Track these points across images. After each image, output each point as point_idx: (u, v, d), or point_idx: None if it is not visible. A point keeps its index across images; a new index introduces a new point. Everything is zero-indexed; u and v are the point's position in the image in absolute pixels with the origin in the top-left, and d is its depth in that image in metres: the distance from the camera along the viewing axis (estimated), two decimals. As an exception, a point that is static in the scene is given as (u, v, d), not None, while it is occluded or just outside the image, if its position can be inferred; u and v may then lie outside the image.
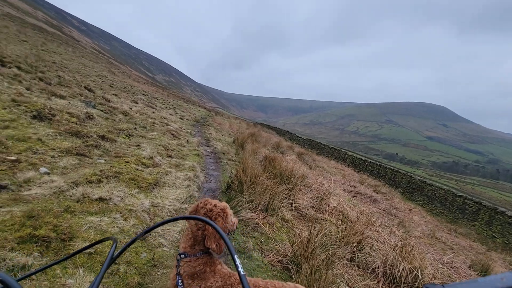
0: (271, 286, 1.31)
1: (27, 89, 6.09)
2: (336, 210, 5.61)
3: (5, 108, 4.26)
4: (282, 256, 2.91)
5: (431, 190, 20.23)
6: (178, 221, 2.54)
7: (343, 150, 31.80)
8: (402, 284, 2.88)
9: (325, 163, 20.14)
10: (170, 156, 5.59)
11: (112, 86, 15.57)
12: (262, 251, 3.02)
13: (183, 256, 1.28)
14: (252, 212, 3.80)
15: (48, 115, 4.67)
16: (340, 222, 4.18)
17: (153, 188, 3.67)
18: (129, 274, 1.96)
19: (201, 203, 1.39)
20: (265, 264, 2.76)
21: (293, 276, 2.64)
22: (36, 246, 1.85)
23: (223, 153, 8.20)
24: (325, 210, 5.35)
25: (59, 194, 2.63)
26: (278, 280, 1.41)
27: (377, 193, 15.14)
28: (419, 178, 22.27)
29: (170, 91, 53.13)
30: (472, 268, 5.95)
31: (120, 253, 0.79)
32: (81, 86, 9.72)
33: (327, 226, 4.18)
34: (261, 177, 4.58)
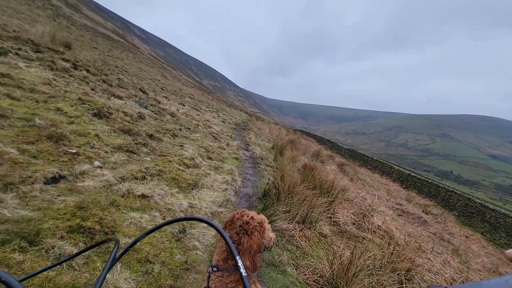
0: None
1: (92, 89, 6.79)
2: (380, 229, 5.13)
3: (72, 106, 4.77)
4: (318, 275, 2.69)
5: (495, 216, 17.61)
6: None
7: (388, 163, 29.59)
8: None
9: (368, 176, 18.91)
10: (210, 158, 5.71)
11: (163, 89, 16.72)
12: (297, 266, 2.84)
13: (215, 269, 1.20)
14: (289, 223, 3.64)
15: (106, 113, 5.11)
16: (386, 245, 3.78)
17: (192, 188, 3.73)
18: (163, 275, 1.96)
19: (237, 213, 1.31)
20: (300, 282, 2.58)
21: (330, 300, 2.42)
22: (82, 236, 1.96)
23: (262, 158, 8.16)
24: (368, 229, 4.92)
25: (107, 188, 2.81)
26: None
27: (427, 213, 13.69)
28: (479, 201, 19.59)
29: (214, 95, 55.43)
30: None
31: (122, 254, 0.78)
32: (136, 88, 10.59)
33: (370, 247, 3.82)
34: (299, 187, 4.40)
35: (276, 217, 3.54)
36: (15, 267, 1.49)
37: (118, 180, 3.00)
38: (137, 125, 5.61)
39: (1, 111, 3.34)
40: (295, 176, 5.18)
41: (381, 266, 3.07)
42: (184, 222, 2.84)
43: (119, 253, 0.77)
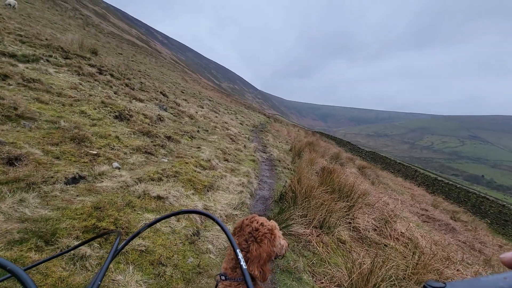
0: None
1: (115, 93, 7.05)
2: (403, 236, 4.85)
3: (95, 109, 4.96)
4: (336, 284, 2.56)
5: (534, 225, 16.23)
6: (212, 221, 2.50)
7: (412, 167, 28.27)
8: None
9: (390, 179, 18.16)
10: (226, 160, 5.71)
11: (183, 92, 17.11)
12: (313, 274, 2.73)
13: (223, 277, 1.15)
14: (305, 228, 3.52)
15: (127, 115, 5.28)
16: (411, 254, 3.55)
17: (208, 190, 3.73)
18: (174, 278, 1.94)
19: (247, 219, 1.25)
20: (316, 291, 2.46)
21: (349, 311, 2.29)
22: (97, 239, 1.98)
23: (279, 161, 8.06)
24: (390, 235, 4.67)
25: (124, 189, 2.86)
26: None
27: (455, 220, 12.89)
28: (515, 208, 18.15)
29: (233, 97, 56.01)
30: None
31: (124, 245, 0.79)
32: (157, 91, 10.90)
33: (392, 255, 3.60)
34: (317, 190, 4.26)
35: (292, 221, 3.44)
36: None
37: (135, 181, 3.06)
38: (156, 127, 5.73)
39: (30, 114, 3.52)
40: (313, 179, 5.04)
41: (405, 277, 2.88)
42: (199, 225, 2.83)
43: (121, 245, 0.77)
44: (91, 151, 3.38)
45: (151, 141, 4.72)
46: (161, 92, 10.80)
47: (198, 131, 7.38)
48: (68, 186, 2.57)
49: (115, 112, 5.08)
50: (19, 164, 2.48)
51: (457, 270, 3.95)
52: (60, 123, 3.66)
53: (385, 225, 4.90)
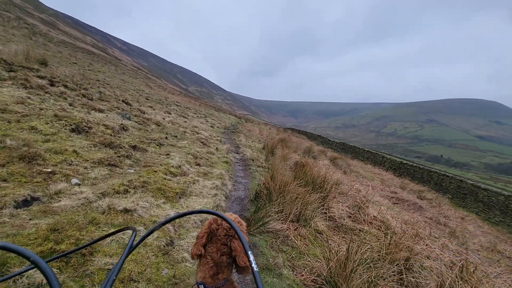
0: None
1: (70, 104, 6.55)
2: (376, 220, 5.09)
3: (48, 123, 4.55)
4: (316, 274, 2.59)
5: (488, 195, 17.97)
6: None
7: (380, 153, 29.91)
8: (466, 314, 2.39)
9: (360, 167, 19.05)
10: (198, 164, 5.57)
11: (148, 99, 16.43)
12: (293, 268, 2.74)
13: (202, 287, 1.09)
14: (282, 223, 3.53)
15: (85, 128, 4.92)
16: (383, 235, 3.72)
17: (180, 197, 3.59)
18: (147, 294, 1.83)
19: (212, 224, 1.19)
20: (297, 284, 2.47)
21: (330, 299, 2.32)
22: (56, 261, 1.80)
23: (253, 160, 8.05)
24: (364, 220, 4.87)
25: (86, 206, 2.64)
26: None
27: (421, 199, 13.85)
28: (471, 182, 19.96)
29: (202, 101, 55.11)
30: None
31: (140, 242, 0.80)
32: (119, 100, 10.33)
33: (367, 239, 3.75)
34: (291, 185, 4.31)
35: (269, 218, 3.43)
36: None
37: (98, 197, 2.84)
38: (119, 137, 5.42)
39: (-33, 135, 3.13)
40: (287, 175, 5.09)
41: (380, 258, 3.00)
42: (172, 234, 2.70)
43: (136, 242, 0.78)
44: (45, 169, 3.09)
45: (115, 153, 4.45)
46: (123, 101, 10.27)
47: (166, 137, 7.12)
48: (19, 210, 2.32)
49: (71, 125, 4.71)
50: (-45, 192, 2.18)
51: (426, 245, 4.23)
52: (6, 142, 3.29)
53: (359, 211, 5.11)
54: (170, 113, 13.26)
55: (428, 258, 3.47)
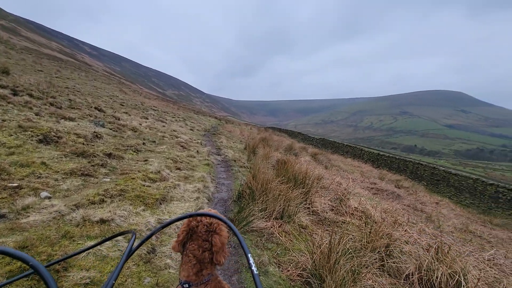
0: None
1: (37, 114, 6.18)
2: (357, 210, 5.24)
3: (12, 135, 4.26)
4: (301, 269, 2.62)
5: (458, 180, 19.12)
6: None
7: (358, 147, 30.90)
8: (443, 292, 2.51)
9: (341, 161, 19.56)
10: (179, 169, 5.45)
11: (122, 105, 15.86)
12: (279, 264, 2.75)
13: (186, 286, 1.07)
14: (266, 221, 3.54)
15: (54, 137, 4.65)
16: (364, 225, 3.83)
17: (160, 203, 3.49)
18: (129, 305, 1.76)
19: (192, 222, 1.17)
20: (283, 280, 2.48)
21: (316, 292, 2.35)
22: (27, 280, 1.69)
23: (235, 161, 8.01)
24: (346, 212, 5.00)
25: (58, 219, 2.50)
26: None
27: (399, 188, 14.45)
28: (443, 168, 21.16)
29: (180, 104, 54.08)
30: (518, 263, 5.36)
31: (139, 245, 0.80)
32: (91, 107, 9.89)
33: (349, 230, 3.85)
34: (273, 183, 4.32)
35: (253, 217, 3.42)
36: None
37: (71, 209, 2.69)
38: (93, 145, 5.18)
39: None
40: (268, 173, 5.11)
41: (362, 247, 3.09)
42: (154, 241, 2.62)
43: (136, 245, 0.78)
44: (10, 184, 2.88)
45: (88, 162, 4.25)
46: (96, 108, 9.85)
47: (144, 143, 6.90)
48: (-19, 229, 2.14)
49: (38, 135, 4.44)
50: None
51: (405, 231, 4.40)
52: (-36, 158, 3.04)
53: (340, 204, 5.23)
54: (147, 118, 12.89)
55: (406, 243, 3.62)
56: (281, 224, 3.61)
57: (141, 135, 7.91)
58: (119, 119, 9.20)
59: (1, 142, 3.84)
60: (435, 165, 22.32)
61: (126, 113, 12.20)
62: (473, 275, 2.68)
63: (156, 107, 22.98)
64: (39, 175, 3.29)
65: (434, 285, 2.59)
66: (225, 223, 0.80)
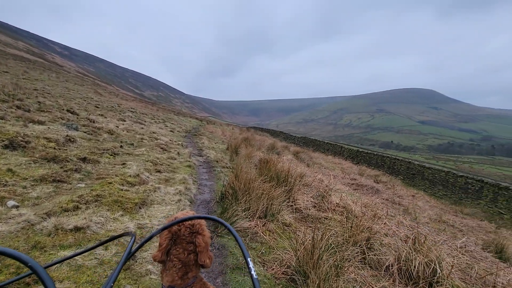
0: None
1: (1, 118, 5.77)
2: (339, 206, 5.36)
3: (-27, 141, 3.95)
4: (286, 266, 2.63)
5: (432, 173, 20.15)
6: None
7: (338, 144, 31.71)
8: (421, 280, 2.62)
9: (322, 159, 19.96)
10: (159, 171, 5.30)
11: (98, 107, 15.20)
12: (264, 263, 2.74)
13: None
14: (250, 221, 3.53)
15: (21, 142, 4.36)
16: (345, 220, 3.92)
17: (140, 208, 3.37)
18: (107, 315, 1.67)
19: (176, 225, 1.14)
20: (268, 279, 2.48)
21: (301, 288, 2.37)
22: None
23: (217, 161, 7.93)
24: (328, 208, 5.10)
25: (27, 229, 2.33)
26: None
27: (378, 183, 14.97)
28: (417, 163, 22.20)
29: (159, 105, 52.77)
30: (486, 249, 5.73)
31: (138, 247, 0.79)
32: (63, 109, 9.38)
33: (331, 225, 3.92)
34: (256, 182, 4.31)
35: (236, 217, 3.40)
36: None
37: (42, 218, 2.53)
38: (65, 150, 4.91)
39: None
40: (251, 172, 5.09)
41: (344, 242, 3.16)
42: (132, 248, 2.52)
43: (135, 248, 0.76)
44: (-29, 194, 2.66)
45: (61, 167, 4.02)
46: (68, 110, 9.36)
47: (121, 146, 6.65)
48: None
49: (3, 140, 4.14)
50: None
51: (384, 224, 4.56)
52: None
53: (322, 200, 5.33)
54: (125, 120, 12.45)
55: (386, 235, 3.75)
56: (265, 223, 3.61)
57: (118, 138, 7.62)
58: (94, 122, 8.80)
59: (-39, 148, 3.55)
60: (410, 160, 23.38)
61: (101, 115, 11.70)
62: (447, 262, 2.82)
63: (134, 108, 22.26)
64: (5, 183, 3.06)
65: (412, 274, 2.69)
66: (226, 226, 0.80)
